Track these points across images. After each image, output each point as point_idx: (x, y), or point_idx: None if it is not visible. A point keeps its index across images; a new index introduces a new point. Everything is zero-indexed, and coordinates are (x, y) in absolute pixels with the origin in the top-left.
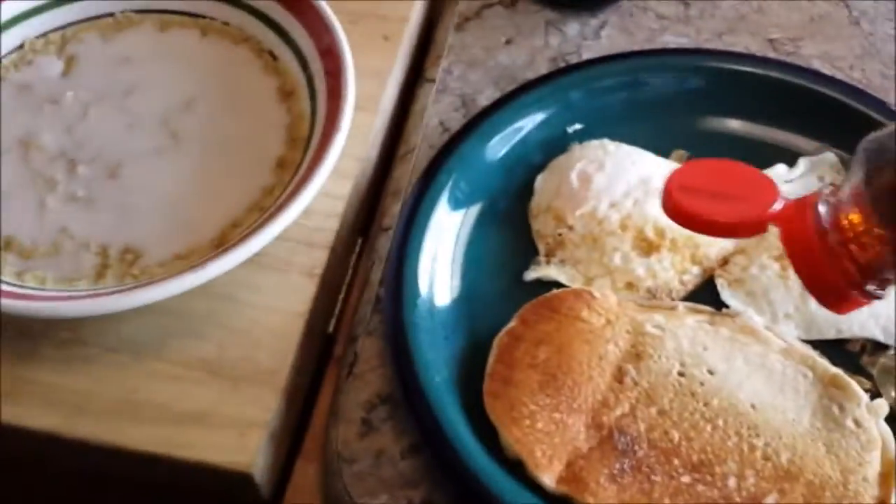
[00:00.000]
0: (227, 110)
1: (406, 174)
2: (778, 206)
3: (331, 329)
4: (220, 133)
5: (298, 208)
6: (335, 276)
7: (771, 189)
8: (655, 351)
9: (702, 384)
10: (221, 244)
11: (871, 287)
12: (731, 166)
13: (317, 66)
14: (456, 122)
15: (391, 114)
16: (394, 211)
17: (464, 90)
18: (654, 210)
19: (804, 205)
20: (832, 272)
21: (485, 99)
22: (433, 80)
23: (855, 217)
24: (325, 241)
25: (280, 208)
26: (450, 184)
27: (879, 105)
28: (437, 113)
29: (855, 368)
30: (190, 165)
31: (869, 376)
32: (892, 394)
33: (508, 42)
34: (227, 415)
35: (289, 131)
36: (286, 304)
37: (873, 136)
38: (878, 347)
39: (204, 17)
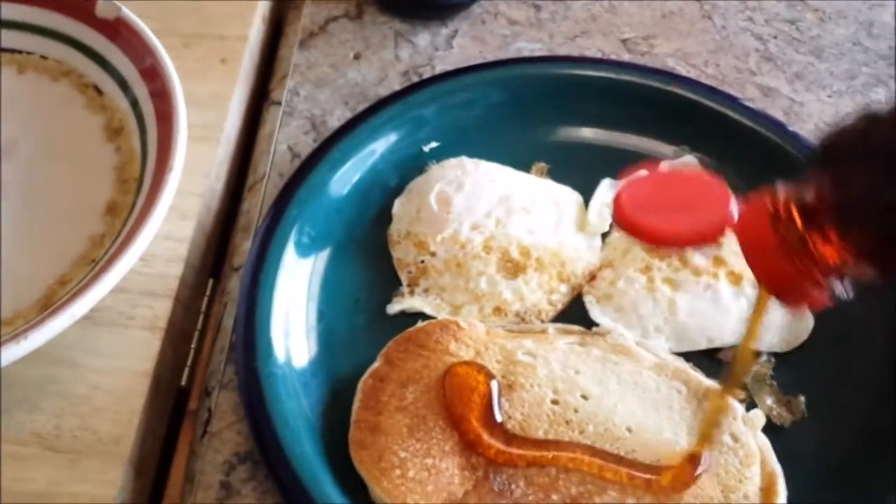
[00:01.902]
0: (50, 154)
1: (256, 207)
2: (734, 209)
3: (183, 382)
4: (44, 179)
5: (131, 259)
6: (184, 325)
7: (723, 194)
8: (527, 380)
9: (576, 411)
10: (48, 305)
11: (835, 284)
12: (677, 177)
13: (141, 91)
14: (306, 146)
15: (236, 142)
16: (244, 248)
17: (312, 111)
18: (518, 229)
19: (760, 207)
20: (793, 273)
21: (335, 119)
22: (279, 103)
23: (818, 221)
24: (168, 289)
25: (111, 260)
26: (301, 217)
27: (732, 101)
28: (286, 138)
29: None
30: (11, 217)
31: (743, 386)
32: (767, 402)
33: (357, 57)
34: (69, 494)
35: (118, 172)
36: (128, 363)
37: (835, 131)
38: None
39: (19, 51)
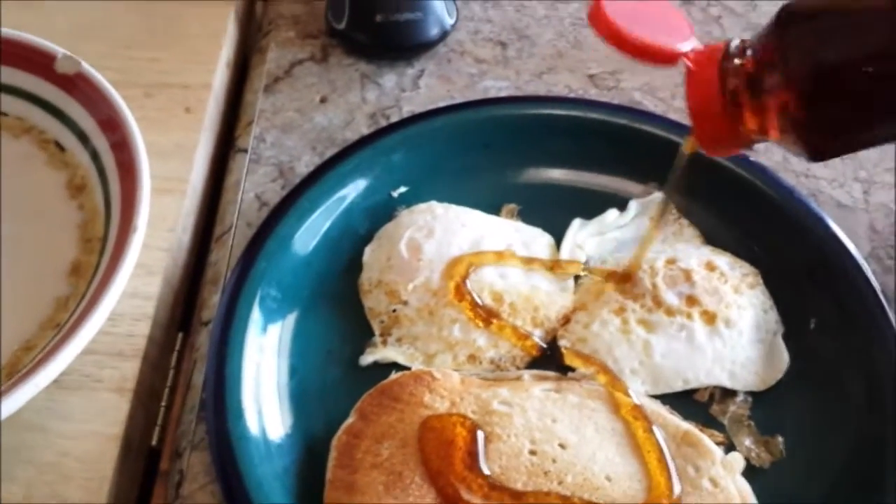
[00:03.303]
0: (12, 213)
1: (224, 259)
2: (690, 44)
3: (154, 441)
4: (6, 240)
5: (97, 323)
6: (153, 384)
7: (687, 29)
8: (504, 430)
9: (554, 461)
10: (13, 372)
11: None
12: (655, 4)
13: (101, 142)
14: (273, 194)
15: (202, 191)
16: (213, 302)
17: (280, 158)
18: (489, 274)
19: (713, 49)
20: (726, 119)
21: (303, 166)
22: (245, 150)
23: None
24: (136, 348)
25: (76, 324)
26: (270, 270)
27: (675, 128)
28: (253, 186)
29: (706, 419)
30: None
31: (720, 427)
32: (746, 443)
33: (323, 100)
34: None
35: (82, 231)
36: (97, 426)
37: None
38: (726, 394)
39: None
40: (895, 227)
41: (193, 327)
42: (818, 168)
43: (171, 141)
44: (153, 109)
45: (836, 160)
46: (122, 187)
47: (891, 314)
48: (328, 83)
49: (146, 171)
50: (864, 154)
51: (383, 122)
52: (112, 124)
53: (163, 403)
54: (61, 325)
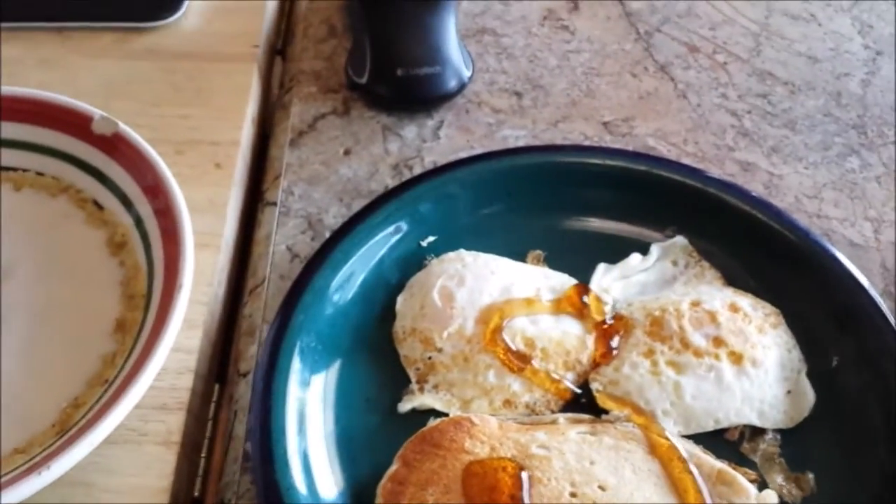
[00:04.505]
0: (53, 273)
1: (259, 311)
2: None
3: (196, 493)
4: (48, 300)
5: (147, 379)
6: (195, 436)
7: None
8: (544, 474)
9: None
10: (64, 429)
11: None
12: None
13: (145, 208)
14: (304, 245)
15: (234, 245)
16: (249, 354)
17: (308, 210)
18: (521, 321)
19: None
20: None
21: (331, 217)
22: (275, 203)
23: None
24: (180, 401)
25: (128, 380)
26: (308, 322)
27: (716, 182)
28: (283, 238)
29: (738, 458)
30: (17, 341)
31: (751, 464)
32: (778, 481)
33: (347, 153)
34: None
35: (125, 288)
36: (144, 480)
37: None
38: (755, 432)
39: (14, 169)
40: None
41: (230, 378)
42: (829, 208)
43: (203, 197)
44: (185, 166)
45: (846, 199)
46: (165, 248)
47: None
48: (351, 136)
49: (190, 235)
50: (871, 193)
51: (406, 173)
52: (157, 192)
53: (202, 454)
54: (109, 382)
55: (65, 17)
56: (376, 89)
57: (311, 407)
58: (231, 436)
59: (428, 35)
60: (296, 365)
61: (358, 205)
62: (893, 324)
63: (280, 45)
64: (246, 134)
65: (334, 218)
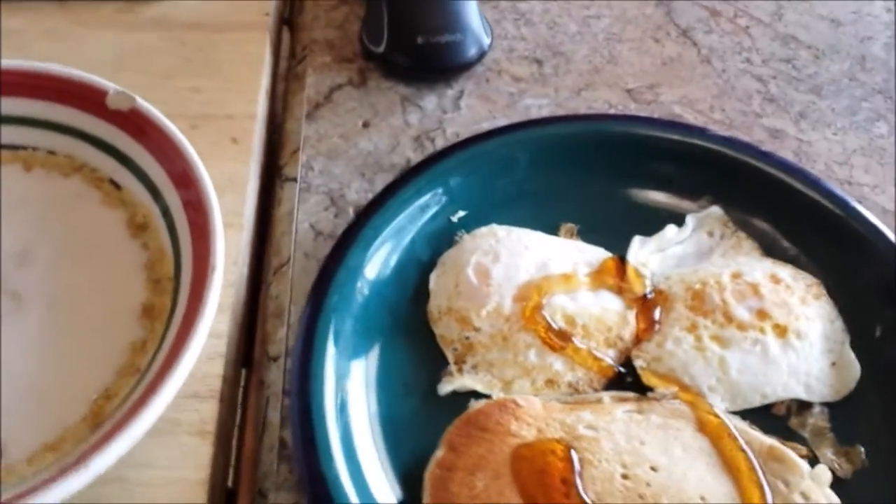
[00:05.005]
0: (71, 257)
1: (286, 291)
2: None
3: (230, 483)
4: (68, 286)
5: (186, 368)
6: (228, 425)
7: None
8: (594, 455)
9: (648, 485)
10: (97, 422)
11: None
12: None
13: (172, 197)
14: (327, 223)
15: (255, 224)
16: (278, 337)
17: (329, 186)
18: (560, 297)
19: None
20: None
21: (353, 192)
22: (294, 179)
23: None
24: (212, 389)
25: (165, 370)
26: (341, 302)
27: (750, 149)
28: (306, 216)
29: (786, 433)
30: (38, 330)
31: (801, 439)
32: (828, 455)
33: (366, 125)
34: None
35: (149, 271)
36: (181, 472)
37: None
38: (802, 407)
39: (24, 147)
40: None
41: (259, 363)
42: (860, 175)
43: (222, 174)
44: (201, 141)
45: (875, 165)
46: (192, 227)
47: None
48: (369, 107)
49: (217, 211)
50: None
51: (428, 145)
52: (188, 182)
53: (234, 441)
54: (143, 371)
55: None
56: (395, 58)
57: (350, 393)
58: (265, 423)
59: (448, 1)
60: (331, 349)
61: (381, 179)
62: None
63: (287, 14)
64: (261, 107)
65: (357, 193)
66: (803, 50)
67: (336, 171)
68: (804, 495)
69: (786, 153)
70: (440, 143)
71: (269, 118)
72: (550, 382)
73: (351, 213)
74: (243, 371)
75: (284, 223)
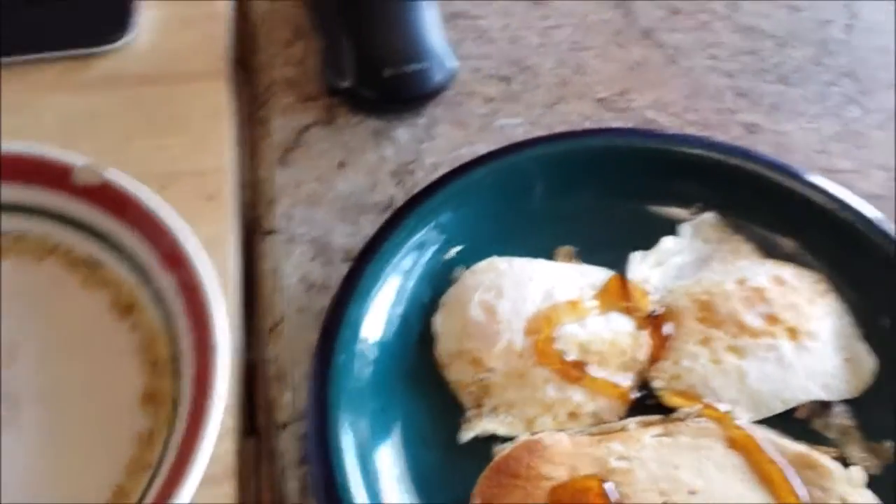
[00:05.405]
0: (58, 349)
1: (284, 351)
2: None
3: None
4: (59, 380)
5: (202, 461)
6: (245, 502)
7: None
8: (630, 487)
9: None
10: None
11: None
12: None
13: (159, 274)
14: (317, 274)
15: (241, 283)
16: (284, 401)
17: (313, 234)
18: (570, 326)
19: None
20: None
21: (339, 238)
22: (275, 231)
23: None
24: (228, 468)
25: (179, 467)
26: (348, 362)
27: (730, 150)
28: (294, 269)
29: (812, 437)
30: (38, 433)
31: (826, 440)
32: (857, 453)
33: (342, 165)
34: None
35: (144, 354)
36: None
37: None
38: (823, 407)
39: None
40: None
41: (267, 432)
42: (840, 161)
43: (200, 235)
44: (173, 202)
45: (854, 150)
46: (186, 301)
47: None
48: (342, 146)
49: (213, 285)
50: (877, 140)
51: (408, 179)
52: (170, 253)
53: None
54: (154, 466)
55: None
56: (363, 93)
57: (371, 454)
58: (284, 495)
59: (412, 29)
60: (345, 412)
61: (365, 220)
62: None
63: (240, 55)
64: (231, 159)
65: (343, 238)
66: (766, 39)
67: (317, 217)
68: (843, 500)
69: (764, 147)
70: (420, 176)
71: (240, 169)
72: (573, 416)
73: (339, 260)
74: (252, 441)
75: (272, 279)
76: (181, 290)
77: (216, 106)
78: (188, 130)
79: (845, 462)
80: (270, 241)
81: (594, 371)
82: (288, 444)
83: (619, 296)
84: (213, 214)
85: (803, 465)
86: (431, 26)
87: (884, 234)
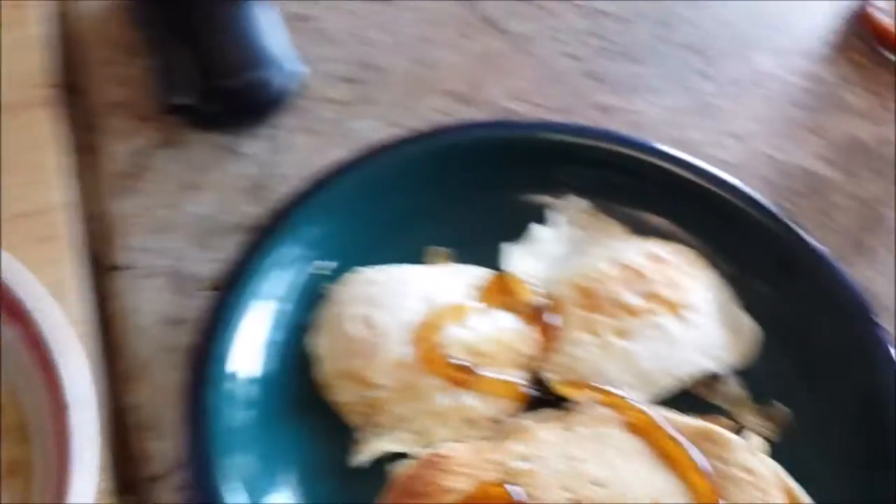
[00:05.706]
0: None
1: (151, 396)
2: None
3: None
4: None
5: None
6: None
7: None
8: (536, 489)
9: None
10: None
11: None
12: None
13: (7, 334)
14: (178, 308)
15: (94, 328)
16: (157, 450)
17: (167, 264)
18: (454, 330)
19: None
20: None
21: (196, 266)
22: (126, 267)
23: None
24: None
25: None
26: (221, 404)
27: (592, 131)
28: (150, 305)
29: (708, 409)
30: None
31: (722, 412)
32: (753, 420)
33: (190, 187)
34: None
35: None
36: None
37: None
38: (716, 379)
39: None
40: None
41: (143, 486)
42: (692, 133)
43: (42, 280)
44: (10, 249)
45: (705, 121)
46: (33, 356)
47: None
48: (187, 166)
49: (55, 336)
50: (727, 109)
51: (264, 195)
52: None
53: None
54: None
55: None
56: (205, 108)
57: (263, 499)
58: None
59: (248, 35)
60: (229, 456)
61: (223, 244)
62: (796, 229)
63: (67, 78)
64: (68, 193)
65: (200, 265)
66: (610, 21)
67: (170, 246)
68: (744, 468)
69: (620, 126)
70: (278, 189)
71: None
72: (470, 422)
73: (200, 290)
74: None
75: (127, 319)
76: (28, 345)
77: (45, 137)
78: (13, 168)
79: (742, 431)
80: (121, 278)
81: (484, 372)
82: (169, 498)
83: (501, 292)
84: (54, 256)
85: (702, 439)
86: (271, 31)
87: (748, 201)
